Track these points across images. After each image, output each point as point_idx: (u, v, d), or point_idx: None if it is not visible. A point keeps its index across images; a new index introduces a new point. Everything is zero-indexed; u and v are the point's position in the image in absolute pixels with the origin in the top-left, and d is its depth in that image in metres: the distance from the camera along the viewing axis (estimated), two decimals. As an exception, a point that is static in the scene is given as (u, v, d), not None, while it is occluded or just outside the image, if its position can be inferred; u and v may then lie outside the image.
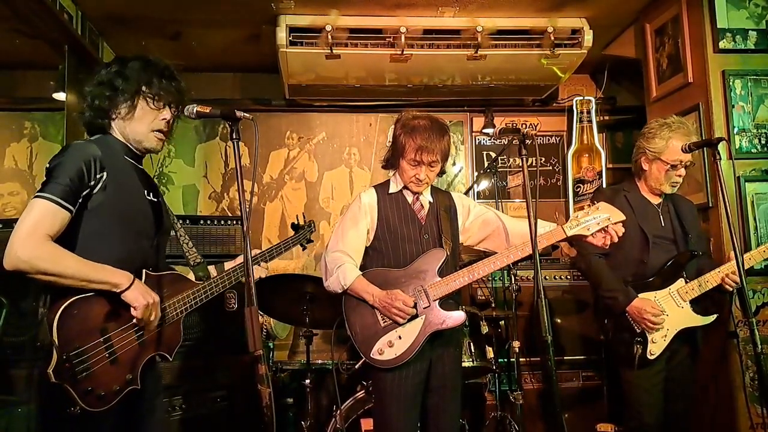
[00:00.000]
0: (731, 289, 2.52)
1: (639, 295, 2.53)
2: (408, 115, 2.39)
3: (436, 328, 2.25)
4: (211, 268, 2.00)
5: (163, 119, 1.82)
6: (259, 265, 2.09)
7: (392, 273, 2.31)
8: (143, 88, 1.78)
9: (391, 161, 2.45)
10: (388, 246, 2.35)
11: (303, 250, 2.57)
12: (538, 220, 2.13)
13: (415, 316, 2.23)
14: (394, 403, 2.24)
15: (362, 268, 2.37)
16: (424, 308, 2.25)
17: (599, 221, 2.21)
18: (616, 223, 2.21)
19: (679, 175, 2.61)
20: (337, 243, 2.38)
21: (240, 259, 2.02)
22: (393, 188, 2.44)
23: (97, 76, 1.80)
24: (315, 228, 2.59)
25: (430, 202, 2.45)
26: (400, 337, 2.23)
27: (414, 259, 2.32)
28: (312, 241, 2.56)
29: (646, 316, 2.46)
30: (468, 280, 2.28)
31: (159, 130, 1.83)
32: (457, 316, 2.27)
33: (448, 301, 2.31)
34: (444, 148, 2.33)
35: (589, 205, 2.25)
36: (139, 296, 1.64)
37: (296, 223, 2.53)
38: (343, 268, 2.28)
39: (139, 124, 1.80)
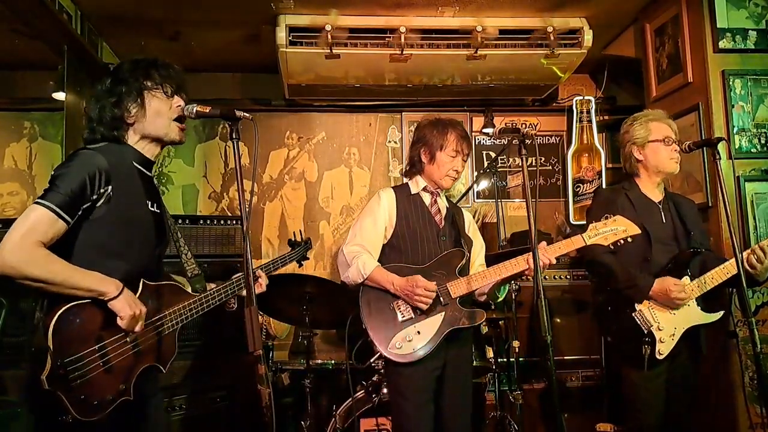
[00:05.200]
0: (752, 270, 2.47)
1: None
2: (431, 116, 2.50)
3: (456, 325, 2.25)
4: (210, 286, 1.98)
5: (178, 106, 1.81)
6: (257, 281, 2.04)
7: (412, 269, 2.31)
8: (146, 83, 1.77)
9: (417, 165, 2.47)
10: (407, 244, 2.37)
11: (299, 266, 2.56)
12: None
13: (435, 312, 2.24)
14: (411, 397, 2.24)
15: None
16: (444, 305, 2.26)
17: (617, 233, 2.28)
18: (632, 236, 2.29)
19: (676, 151, 2.63)
20: (354, 237, 2.39)
21: (237, 276, 2.02)
22: (413, 189, 2.48)
23: (95, 95, 1.79)
24: (312, 245, 2.59)
25: (447, 207, 2.49)
26: (418, 332, 2.23)
27: (432, 259, 2.34)
28: (308, 259, 2.56)
29: (672, 293, 2.44)
30: (491, 280, 2.30)
31: (178, 120, 1.82)
32: (477, 315, 2.29)
33: (468, 300, 2.33)
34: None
35: (606, 217, 2.31)
36: (125, 306, 1.62)
37: (293, 239, 2.53)
38: (362, 259, 2.30)
39: (158, 118, 1.79)
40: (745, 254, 2.50)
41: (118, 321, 1.63)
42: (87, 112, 1.80)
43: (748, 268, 2.47)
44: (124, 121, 1.77)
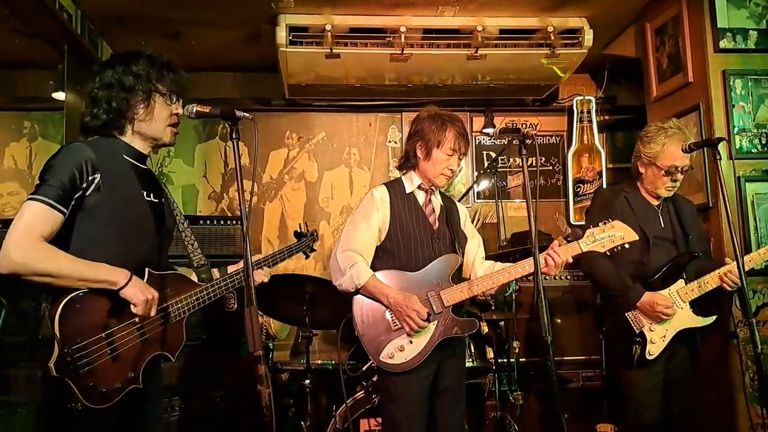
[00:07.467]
0: (730, 289, 2.51)
1: None
2: (431, 110, 2.40)
3: (448, 334, 2.22)
4: (215, 271, 1.99)
5: (176, 113, 1.84)
6: (261, 269, 2.07)
7: (405, 275, 2.27)
8: (158, 85, 1.79)
9: (412, 159, 2.39)
10: (400, 248, 2.30)
11: (306, 258, 2.52)
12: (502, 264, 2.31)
13: (427, 321, 2.19)
14: (403, 406, 2.21)
15: (372, 269, 2.31)
16: (437, 314, 2.22)
17: (614, 239, 2.24)
18: (629, 242, 2.25)
19: (675, 180, 2.60)
20: (348, 241, 2.31)
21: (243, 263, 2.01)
22: (408, 188, 2.39)
23: (103, 77, 1.77)
24: (318, 236, 2.53)
25: (441, 206, 2.43)
26: (411, 342, 2.20)
27: (427, 264, 2.28)
28: (315, 250, 2.51)
29: (658, 309, 2.46)
30: (485, 288, 2.27)
31: (173, 124, 1.85)
32: (470, 324, 2.26)
33: (461, 308, 2.30)
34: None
35: (604, 223, 2.27)
36: (138, 293, 1.63)
37: (299, 231, 2.49)
38: (356, 267, 2.23)
39: (158, 122, 1.81)
40: (748, 257, 2.51)
41: (132, 308, 1.63)
42: (91, 96, 1.78)
43: (728, 281, 2.50)
44: (126, 117, 1.78)
